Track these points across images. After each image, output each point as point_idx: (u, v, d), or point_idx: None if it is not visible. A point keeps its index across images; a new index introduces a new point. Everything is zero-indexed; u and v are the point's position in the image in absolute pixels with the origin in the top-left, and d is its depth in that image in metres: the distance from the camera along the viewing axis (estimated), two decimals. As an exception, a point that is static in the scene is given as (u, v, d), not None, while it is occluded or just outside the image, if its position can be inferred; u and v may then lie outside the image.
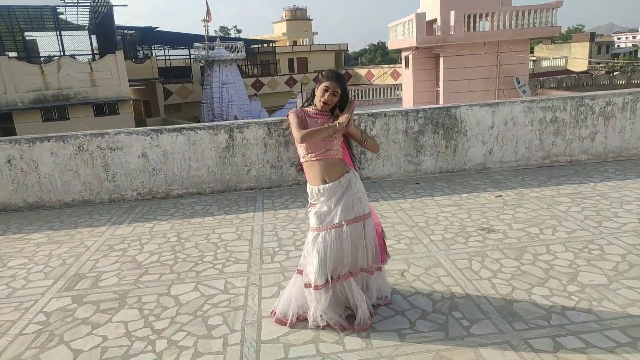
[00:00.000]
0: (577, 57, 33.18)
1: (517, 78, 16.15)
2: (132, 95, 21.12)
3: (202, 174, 6.10)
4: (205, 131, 6.01)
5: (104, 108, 19.54)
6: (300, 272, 2.90)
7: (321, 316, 2.83)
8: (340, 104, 2.78)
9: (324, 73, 2.76)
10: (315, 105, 2.79)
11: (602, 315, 2.86)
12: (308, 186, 2.87)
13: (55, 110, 18.69)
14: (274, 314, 3.01)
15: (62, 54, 20.19)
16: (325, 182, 2.76)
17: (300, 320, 2.93)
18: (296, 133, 2.66)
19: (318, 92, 2.73)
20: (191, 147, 6.01)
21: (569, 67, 32.20)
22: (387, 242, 4.14)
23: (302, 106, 2.89)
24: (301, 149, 2.81)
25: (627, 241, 3.90)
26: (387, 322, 2.92)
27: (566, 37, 54.01)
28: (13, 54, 20.83)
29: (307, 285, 2.80)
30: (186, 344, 2.83)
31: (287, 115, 2.83)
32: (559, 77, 24.03)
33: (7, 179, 5.81)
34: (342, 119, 2.69)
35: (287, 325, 2.91)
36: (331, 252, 2.72)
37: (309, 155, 2.78)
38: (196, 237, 4.60)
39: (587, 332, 2.70)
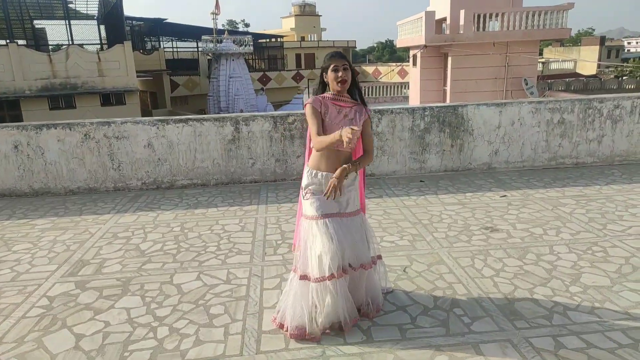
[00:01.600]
0: (587, 60, 32.92)
1: (525, 79, 16.06)
2: (139, 86, 21.16)
3: (207, 166, 6.11)
4: (211, 123, 6.02)
5: (111, 98, 19.58)
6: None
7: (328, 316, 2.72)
8: (354, 83, 2.70)
9: (325, 57, 2.69)
10: (332, 91, 2.69)
11: (604, 316, 2.85)
12: (310, 171, 2.74)
13: (62, 98, 18.75)
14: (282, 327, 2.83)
15: (70, 43, 20.25)
16: (334, 170, 2.68)
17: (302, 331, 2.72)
18: (313, 138, 2.61)
19: (330, 76, 2.63)
20: (197, 139, 6.02)
21: (578, 70, 31.98)
22: (390, 239, 4.18)
23: (316, 94, 2.76)
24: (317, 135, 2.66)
25: (632, 244, 3.88)
26: (388, 316, 2.93)
27: (576, 40, 53.64)
28: (22, 42, 20.89)
29: (312, 279, 2.66)
30: (187, 331, 2.84)
31: (304, 106, 2.71)
32: (567, 79, 23.90)
33: (14, 165, 5.84)
34: (340, 173, 2.60)
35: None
36: (339, 239, 2.62)
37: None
38: (200, 228, 4.61)
39: (588, 333, 2.69)
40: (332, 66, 2.61)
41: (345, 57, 2.70)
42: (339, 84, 2.62)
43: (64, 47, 19.34)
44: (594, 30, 78.29)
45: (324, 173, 2.71)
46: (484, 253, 3.82)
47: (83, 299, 3.29)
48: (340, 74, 2.61)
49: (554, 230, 4.24)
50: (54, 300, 3.28)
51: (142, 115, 19.43)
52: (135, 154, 5.97)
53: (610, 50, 46.80)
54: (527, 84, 15.93)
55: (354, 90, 2.75)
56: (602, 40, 44.42)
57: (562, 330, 2.72)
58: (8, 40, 18.23)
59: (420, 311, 2.99)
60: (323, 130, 2.64)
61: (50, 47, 22.39)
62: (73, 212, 5.27)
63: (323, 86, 2.74)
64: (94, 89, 19.02)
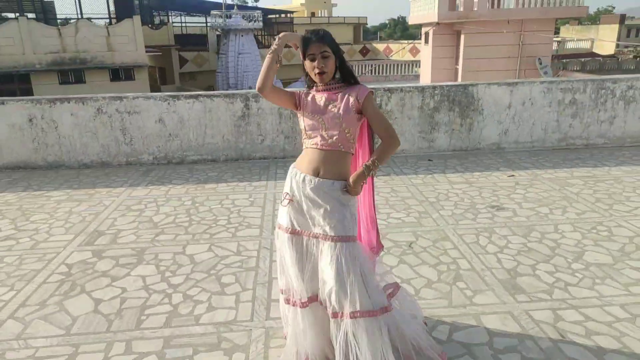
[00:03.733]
0: (604, 40, 32.16)
1: (539, 59, 15.80)
2: (148, 62, 21.13)
3: (217, 142, 6.19)
4: (222, 99, 6.06)
5: (120, 73, 19.60)
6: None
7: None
8: (342, 69, 2.13)
9: (303, 38, 2.08)
10: (316, 83, 2.15)
11: (604, 292, 2.93)
12: (291, 169, 2.22)
13: (72, 73, 18.80)
14: None
15: (79, 16, 20.19)
16: (318, 175, 2.11)
17: None
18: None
19: (306, 66, 2.10)
20: (207, 115, 6.08)
21: (595, 50, 31.28)
22: (397, 215, 4.25)
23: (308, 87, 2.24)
24: (303, 134, 2.20)
25: (637, 224, 3.93)
26: (393, 288, 3.02)
27: (595, 19, 52.28)
28: (31, 15, 20.85)
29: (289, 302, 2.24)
30: (201, 298, 2.97)
31: None
32: (583, 59, 23.42)
33: (29, 138, 5.96)
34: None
35: None
36: (304, 266, 2.15)
37: (308, 140, 2.16)
38: (210, 202, 4.72)
39: (587, 307, 2.77)
40: (308, 55, 2.06)
41: (326, 37, 2.06)
42: (317, 76, 2.08)
43: (73, 21, 19.29)
44: (614, 7, 76.06)
45: (302, 175, 2.13)
46: (489, 230, 3.89)
47: (100, 266, 3.43)
48: (317, 64, 2.04)
49: (560, 210, 4.28)
50: (73, 268, 3.42)
51: (151, 91, 19.45)
52: (147, 129, 6.05)
53: (630, 29, 45.49)
54: (541, 64, 15.69)
55: (347, 76, 2.15)
56: (622, 18, 43.13)
57: (562, 305, 2.81)
58: (18, 14, 18.22)
59: (424, 284, 3.08)
60: (304, 123, 2.17)
61: (58, 20, 22.33)
62: (87, 184, 5.40)
63: (308, 75, 2.17)
64: (103, 63, 19.03)
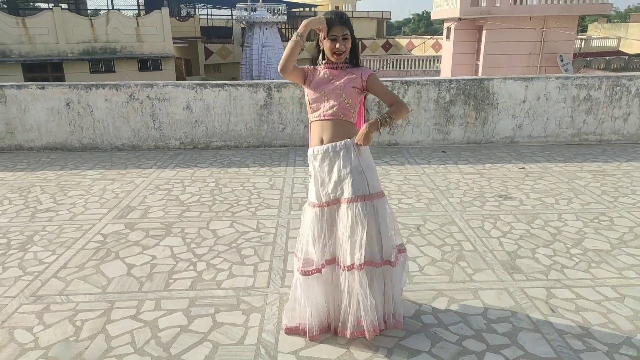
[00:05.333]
0: (631, 38, 31.36)
1: (560, 56, 15.66)
2: (174, 53, 21.67)
3: (240, 129, 6.50)
4: (246, 88, 6.36)
5: (148, 63, 20.22)
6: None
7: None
8: (352, 51, 2.36)
9: (328, 20, 2.26)
10: (326, 60, 2.39)
11: (598, 274, 3.11)
12: (308, 150, 2.47)
13: (102, 62, 19.51)
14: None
15: (110, 8, 20.84)
16: (322, 143, 2.37)
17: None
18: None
19: (326, 45, 2.30)
20: (231, 103, 6.39)
21: (622, 49, 30.52)
22: (408, 201, 4.48)
23: (314, 63, 2.49)
24: (308, 108, 2.43)
25: (638, 215, 4.07)
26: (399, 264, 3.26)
27: (625, 17, 50.82)
28: (64, 6, 21.58)
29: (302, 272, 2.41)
30: (222, 267, 3.27)
31: None
32: (607, 58, 22.96)
33: (65, 121, 6.38)
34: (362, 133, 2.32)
35: (308, 337, 2.47)
36: (325, 234, 2.35)
37: (312, 114, 2.40)
38: (232, 184, 5.03)
39: (580, 287, 2.97)
40: (330, 35, 2.26)
41: (347, 21, 2.28)
42: (334, 56, 2.31)
43: (104, 12, 19.93)
44: (646, 5, 73.63)
45: (313, 148, 2.39)
46: (494, 217, 4.08)
47: (132, 237, 3.77)
48: (338, 45, 2.27)
49: (566, 201, 4.45)
50: (107, 237, 3.77)
51: (177, 81, 19.91)
52: (175, 115, 6.40)
53: (662, 27, 44.08)
54: (562, 61, 15.56)
55: (353, 60, 2.40)
56: (653, 16, 41.84)
57: (556, 284, 3.01)
58: (52, 4, 18.92)
59: (428, 262, 3.32)
60: (308, 97, 2.41)
61: (89, 11, 23.07)
62: (119, 165, 5.78)
63: (320, 52, 2.42)
64: (132, 54, 19.65)
